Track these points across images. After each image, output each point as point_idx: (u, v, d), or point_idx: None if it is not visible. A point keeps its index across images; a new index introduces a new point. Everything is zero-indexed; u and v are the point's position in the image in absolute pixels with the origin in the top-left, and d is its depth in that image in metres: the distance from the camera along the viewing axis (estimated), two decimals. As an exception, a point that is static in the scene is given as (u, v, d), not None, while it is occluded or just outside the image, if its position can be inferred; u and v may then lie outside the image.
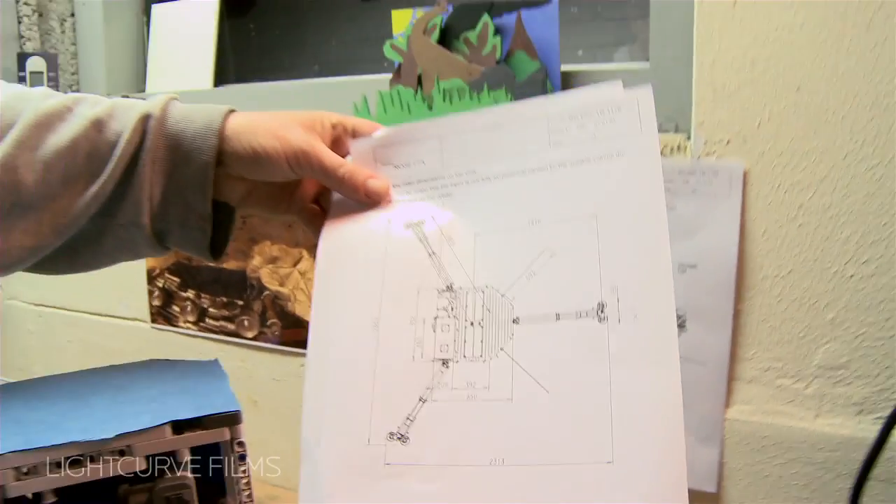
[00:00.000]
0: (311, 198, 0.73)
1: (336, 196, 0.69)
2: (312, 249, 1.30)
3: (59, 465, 0.62)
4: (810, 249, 0.95)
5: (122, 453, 0.63)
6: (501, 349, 0.60)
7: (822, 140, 0.92)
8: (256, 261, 1.35)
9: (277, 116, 0.67)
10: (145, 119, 0.63)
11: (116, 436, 0.63)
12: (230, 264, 1.38)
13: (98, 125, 0.63)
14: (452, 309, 0.62)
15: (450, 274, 0.64)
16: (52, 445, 0.62)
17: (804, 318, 0.96)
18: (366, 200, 0.68)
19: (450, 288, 0.63)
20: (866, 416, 0.94)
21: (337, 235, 0.67)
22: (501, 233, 0.64)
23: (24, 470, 0.62)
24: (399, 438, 0.59)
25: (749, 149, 0.96)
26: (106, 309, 1.65)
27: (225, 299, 1.41)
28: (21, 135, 0.60)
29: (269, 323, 1.37)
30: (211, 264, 1.38)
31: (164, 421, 0.65)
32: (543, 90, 1.14)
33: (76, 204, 0.62)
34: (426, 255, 0.65)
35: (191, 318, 1.46)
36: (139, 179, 0.63)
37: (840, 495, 0.96)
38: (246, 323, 1.40)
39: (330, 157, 0.66)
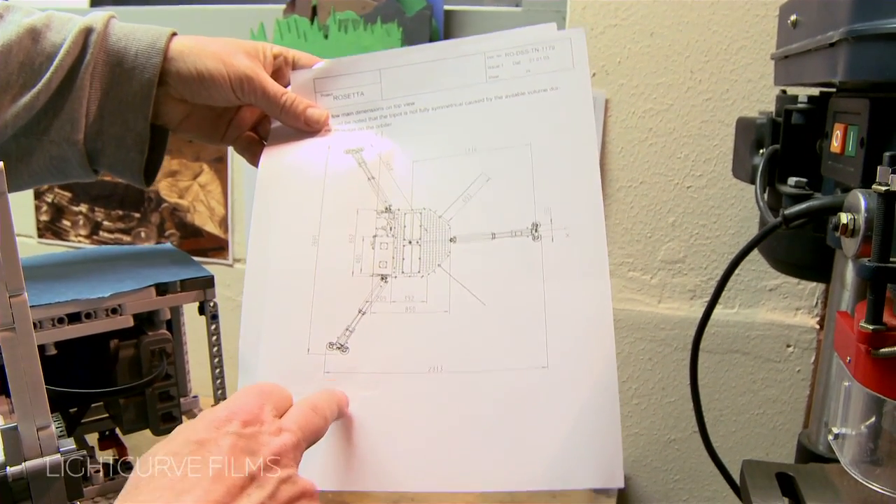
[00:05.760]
0: (248, 125, 0.73)
1: (275, 124, 0.70)
2: (213, 164, 1.39)
3: (60, 320, 0.69)
4: (657, 165, 1.13)
5: (114, 311, 0.72)
6: (439, 265, 0.62)
7: (668, 76, 1.10)
8: (154, 175, 1.39)
9: (221, 42, 0.66)
10: (86, 33, 0.62)
11: (111, 295, 0.71)
12: (126, 179, 1.41)
13: (33, 34, 0.61)
14: (391, 228, 0.63)
15: (388, 196, 0.65)
16: (56, 302, 0.68)
17: (651, 221, 1.15)
18: (305, 128, 0.68)
19: (388, 209, 0.64)
20: (698, 300, 1.15)
21: (277, 159, 0.68)
22: (439, 160, 0.66)
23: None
24: (339, 348, 0.60)
25: (611, 81, 1.12)
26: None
27: (121, 212, 1.45)
28: None
29: (167, 234, 1.43)
30: (106, 178, 1.41)
31: (150, 283, 0.75)
32: (429, 25, 1.27)
33: (5, 114, 0.60)
34: (365, 179, 0.66)
35: (83, 232, 1.49)
36: (76, 94, 0.62)
37: (676, 365, 1.18)
38: (143, 234, 1.44)
39: (272, 84, 0.67)
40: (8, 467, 0.54)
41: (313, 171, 0.66)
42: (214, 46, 0.65)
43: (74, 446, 0.59)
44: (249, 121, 0.73)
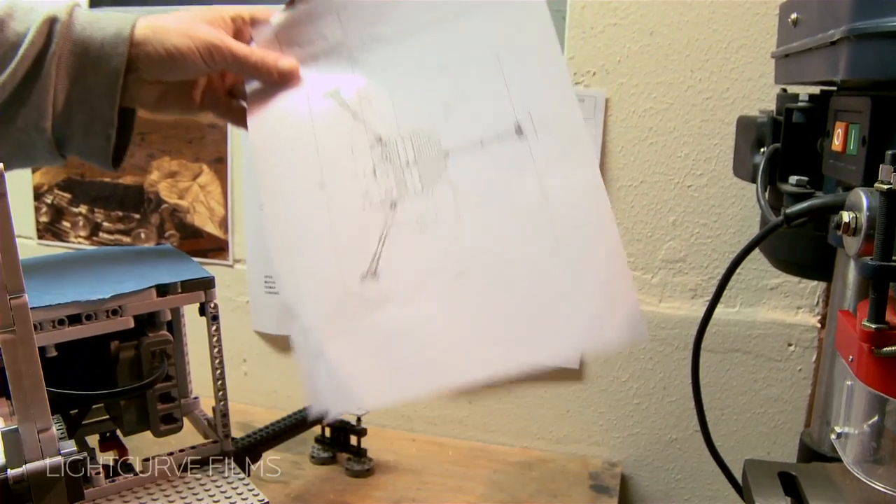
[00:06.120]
0: (224, 90, 0.74)
1: (250, 86, 0.71)
2: (213, 164, 1.39)
3: (61, 322, 0.69)
4: (657, 164, 1.13)
5: (114, 313, 0.72)
6: (440, 180, 0.66)
7: (668, 75, 1.09)
8: (154, 175, 1.40)
9: (181, 16, 0.67)
10: (51, 22, 0.62)
11: (112, 296, 0.71)
12: (126, 179, 1.42)
13: None
14: (387, 157, 0.67)
15: (376, 128, 0.68)
16: (57, 304, 0.68)
17: (651, 220, 1.15)
18: (280, 81, 0.70)
19: (379, 140, 0.68)
20: (699, 300, 1.15)
21: (263, 120, 0.70)
22: (413, 83, 0.69)
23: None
24: (372, 276, 0.64)
25: (611, 80, 1.12)
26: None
27: (120, 213, 1.44)
28: None
29: (167, 234, 1.42)
30: (106, 179, 1.41)
31: (151, 284, 0.74)
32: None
33: None
34: (350, 117, 0.69)
35: (83, 234, 1.48)
36: (43, 83, 0.62)
37: (677, 364, 1.17)
38: (143, 235, 1.44)
39: (240, 46, 0.68)
40: (9, 469, 0.54)
41: (300, 123, 0.69)
42: (177, 23, 0.66)
43: (75, 448, 0.59)
44: (224, 85, 0.74)
